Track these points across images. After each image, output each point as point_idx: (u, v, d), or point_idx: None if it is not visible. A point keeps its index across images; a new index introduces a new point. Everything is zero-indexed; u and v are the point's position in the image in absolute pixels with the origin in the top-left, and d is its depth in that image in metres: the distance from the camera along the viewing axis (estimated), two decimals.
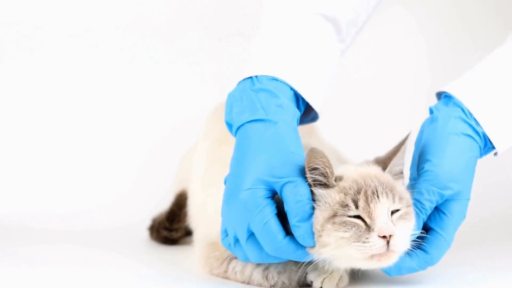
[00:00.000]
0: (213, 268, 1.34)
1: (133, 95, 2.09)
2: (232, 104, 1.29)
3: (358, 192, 1.21)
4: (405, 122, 1.88)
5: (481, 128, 1.31)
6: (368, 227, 1.19)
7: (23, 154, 2.05)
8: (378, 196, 1.21)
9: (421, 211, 1.26)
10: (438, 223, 1.28)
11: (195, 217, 1.58)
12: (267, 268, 1.28)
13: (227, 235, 1.27)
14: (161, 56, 2.09)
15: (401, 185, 1.27)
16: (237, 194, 1.23)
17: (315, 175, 1.22)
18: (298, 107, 1.32)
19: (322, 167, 1.22)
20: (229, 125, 1.30)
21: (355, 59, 2.01)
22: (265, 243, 1.22)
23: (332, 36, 1.37)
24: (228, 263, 1.32)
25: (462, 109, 1.31)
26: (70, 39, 2.06)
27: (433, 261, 1.27)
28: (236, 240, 1.25)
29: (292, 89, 1.30)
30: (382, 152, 1.33)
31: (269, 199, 1.22)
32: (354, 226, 1.19)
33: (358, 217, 1.20)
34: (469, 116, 1.31)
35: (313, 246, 1.21)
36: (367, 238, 1.18)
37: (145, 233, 1.78)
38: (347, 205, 1.20)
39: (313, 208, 1.21)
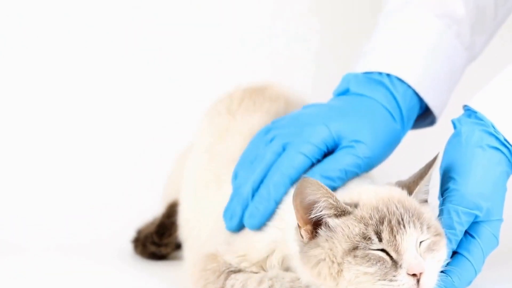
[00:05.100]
0: (208, 282, 1.24)
1: (120, 94, 2.00)
2: (350, 82, 1.36)
3: (381, 222, 1.10)
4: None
5: (508, 142, 1.22)
6: (395, 263, 1.09)
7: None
8: (404, 226, 1.10)
9: (450, 240, 1.16)
10: (464, 245, 1.18)
11: (185, 225, 1.47)
12: (271, 286, 1.18)
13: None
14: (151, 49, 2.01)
15: (429, 211, 1.17)
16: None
17: (319, 211, 1.12)
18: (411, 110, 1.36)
19: (324, 199, 1.11)
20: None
21: None
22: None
23: (454, 41, 1.40)
24: (226, 278, 1.22)
25: (486, 123, 1.23)
26: (58, 36, 1.99)
27: None
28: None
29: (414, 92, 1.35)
30: (402, 162, 1.31)
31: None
32: (379, 261, 1.09)
33: (382, 250, 1.09)
34: (495, 130, 1.23)
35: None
36: (394, 276, 1.08)
37: (129, 246, 1.67)
38: (369, 238, 1.10)
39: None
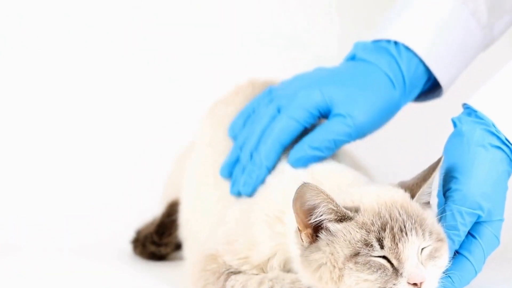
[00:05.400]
0: (208, 283, 1.23)
1: (120, 94, 1.99)
2: (358, 49, 1.38)
3: (383, 229, 1.09)
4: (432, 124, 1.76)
5: (509, 141, 1.21)
6: (396, 270, 1.08)
7: None
8: (406, 233, 1.09)
9: (453, 240, 1.16)
10: (466, 246, 1.18)
11: (185, 224, 1.47)
12: (272, 287, 1.17)
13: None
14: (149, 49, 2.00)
15: (431, 216, 1.16)
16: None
17: (319, 216, 1.10)
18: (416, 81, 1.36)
19: (324, 204, 1.10)
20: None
21: None
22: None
23: (469, 17, 1.39)
24: (226, 280, 1.21)
25: (487, 122, 1.22)
26: (58, 36, 1.98)
27: None
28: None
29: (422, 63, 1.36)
30: (401, 161, 1.23)
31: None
32: (380, 269, 1.08)
33: (384, 257, 1.09)
34: (496, 129, 1.22)
35: None
36: (394, 284, 1.08)
37: (129, 246, 1.66)
38: (371, 244, 1.09)
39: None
